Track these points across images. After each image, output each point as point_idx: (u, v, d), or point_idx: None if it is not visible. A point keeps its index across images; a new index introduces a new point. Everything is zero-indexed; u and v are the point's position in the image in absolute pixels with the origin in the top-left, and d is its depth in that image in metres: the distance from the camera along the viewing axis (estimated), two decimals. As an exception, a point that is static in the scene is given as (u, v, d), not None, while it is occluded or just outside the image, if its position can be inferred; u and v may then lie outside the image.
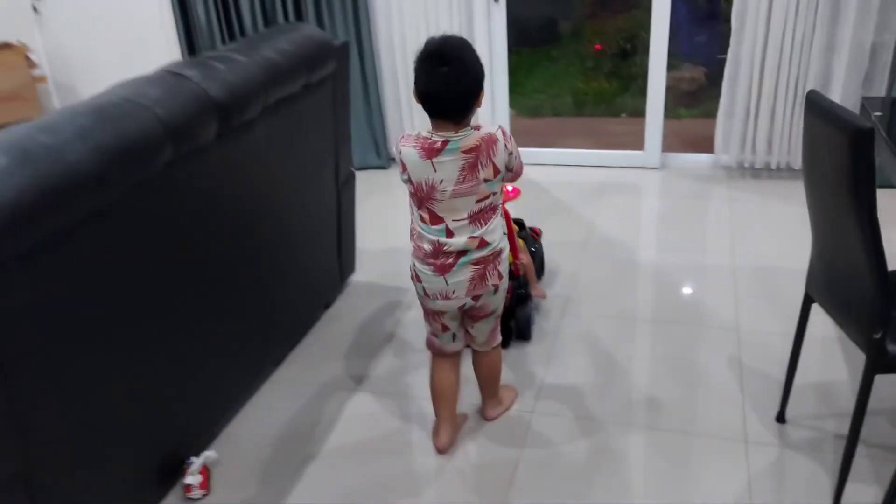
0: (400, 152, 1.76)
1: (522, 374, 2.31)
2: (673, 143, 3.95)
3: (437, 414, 2.04)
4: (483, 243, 1.79)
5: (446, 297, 1.83)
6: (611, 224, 3.29)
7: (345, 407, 2.21)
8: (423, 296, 1.87)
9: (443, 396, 2.01)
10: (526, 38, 6.40)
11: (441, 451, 2.01)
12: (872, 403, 1.69)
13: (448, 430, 2.03)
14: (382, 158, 4.07)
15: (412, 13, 3.75)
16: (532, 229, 2.85)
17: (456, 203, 1.74)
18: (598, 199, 3.56)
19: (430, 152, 1.71)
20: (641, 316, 2.58)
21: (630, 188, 3.71)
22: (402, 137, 1.77)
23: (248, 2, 3.84)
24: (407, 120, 3.98)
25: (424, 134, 1.73)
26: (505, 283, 1.89)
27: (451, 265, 1.79)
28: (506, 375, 2.24)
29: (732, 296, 2.65)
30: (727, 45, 3.48)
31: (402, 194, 2.01)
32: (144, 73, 1.76)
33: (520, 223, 2.74)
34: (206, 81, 1.80)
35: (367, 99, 3.95)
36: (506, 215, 2.32)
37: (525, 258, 2.54)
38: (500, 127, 1.77)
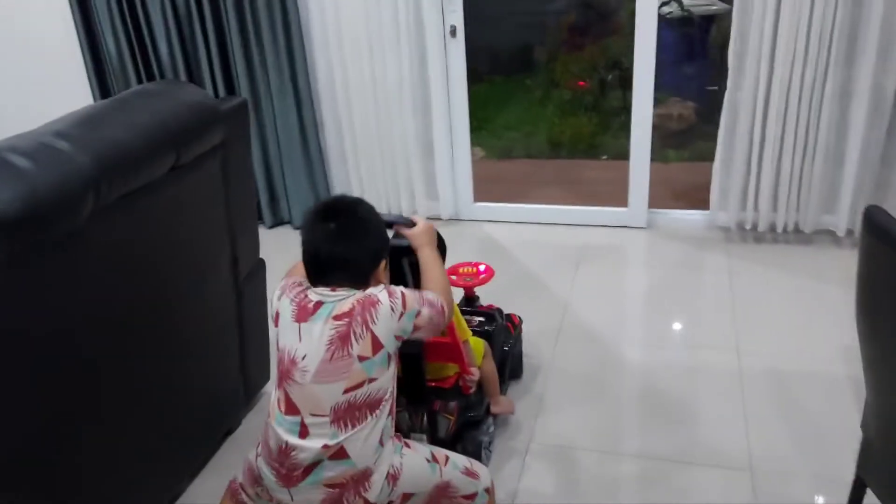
0: (279, 299, 1.42)
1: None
2: (661, 193, 3.41)
3: None
4: (340, 454, 1.30)
5: None
6: (589, 303, 2.73)
7: None
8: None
9: None
10: (498, 65, 5.91)
11: None
12: None
13: None
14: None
15: (356, 51, 3.19)
16: (510, 318, 2.28)
17: (317, 391, 1.29)
18: (574, 269, 3.00)
19: (302, 313, 1.35)
20: (626, 447, 2.01)
21: (612, 254, 3.16)
22: (288, 280, 1.43)
23: (166, 41, 3.28)
24: (353, 172, 3.42)
25: (307, 287, 1.40)
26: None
27: (298, 478, 1.32)
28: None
29: (741, 414, 2.10)
30: (718, 77, 2.96)
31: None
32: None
33: (491, 314, 2.17)
34: (-9, 191, 1.23)
35: (307, 150, 3.38)
36: (449, 326, 1.74)
37: (482, 370, 1.96)
38: (391, 290, 1.35)
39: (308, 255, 1.40)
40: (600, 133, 4.66)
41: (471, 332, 1.93)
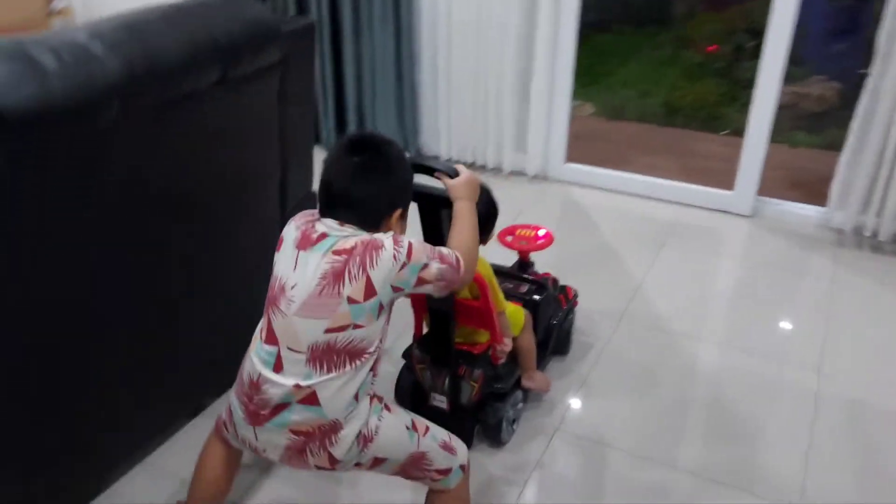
0: (285, 228, 1.38)
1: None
2: (777, 177, 3.05)
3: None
4: (311, 399, 1.24)
5: (255, 451, 1.35)
6: (664, 290, 2.51)
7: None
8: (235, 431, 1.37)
9: (199, 491, 1.48)
10: (630, 15, 5.51)
11: None
12: None
13: None
14: (411, 153, 3.41)
15: (463, -15, 3.02)
16: (564, 289, 2.13)
17: (298, 324, 1.26)
18: (657, 249, 2.77)
19: (305, 241, 1.29)
20: (664, 456, 1.82)
21: (704, 239, 2.89)
22: (303, 213, 1.38)
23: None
24: (443, 113, 3.28)
25: (316, 218, 1.32)
26: (346, 463, 1.33)
27: (265, 418, 1.28)
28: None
29: (805, 444, 1.85)
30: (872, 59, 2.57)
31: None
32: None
33: (542, 283, 2.01)
34: (5, 87, 1.20)
35: (400, 83, 3.27)
36: (482, 285, 1.60)
37: (518, 341, 1.82)
38: (397, 238, 1.26)
39: (322, 184, 1.33)
40: (725, 104, 4.26)
41: (508, 304, 1.79)
